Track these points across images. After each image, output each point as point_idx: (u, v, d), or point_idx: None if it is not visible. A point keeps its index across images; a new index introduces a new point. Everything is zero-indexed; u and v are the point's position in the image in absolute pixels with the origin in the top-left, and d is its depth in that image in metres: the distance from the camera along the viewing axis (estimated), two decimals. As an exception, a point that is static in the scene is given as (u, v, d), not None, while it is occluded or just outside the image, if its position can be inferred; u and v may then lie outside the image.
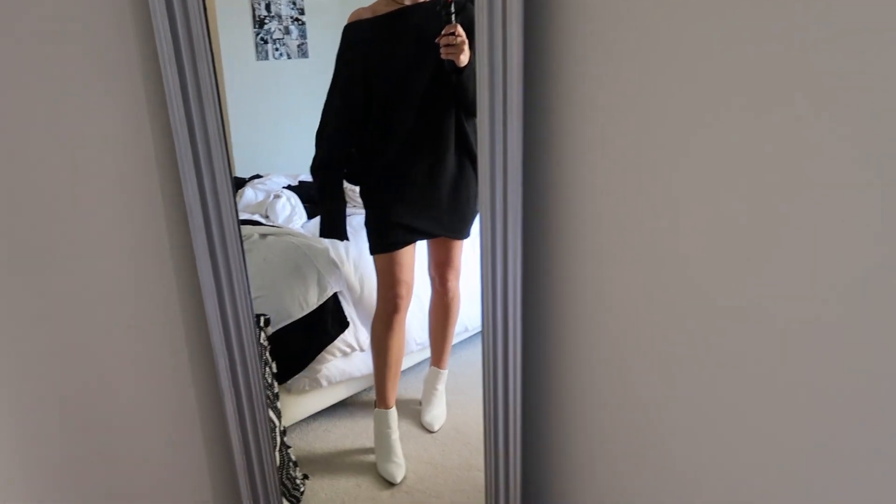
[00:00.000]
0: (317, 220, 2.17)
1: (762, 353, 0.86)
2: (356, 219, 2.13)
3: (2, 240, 1.07)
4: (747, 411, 0.90)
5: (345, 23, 1.71)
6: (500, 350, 1.20)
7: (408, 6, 1.62)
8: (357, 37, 1.64)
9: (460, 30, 1.48)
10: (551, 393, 1.26)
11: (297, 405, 1.92)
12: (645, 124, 0.94)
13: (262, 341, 1.61)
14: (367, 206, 1.77)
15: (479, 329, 2.24)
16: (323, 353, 1.89)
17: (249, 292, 1.18)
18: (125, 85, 1.08)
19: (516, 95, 1.02)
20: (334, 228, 1.79)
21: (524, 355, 1.20)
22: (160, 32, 1.02)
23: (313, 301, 1.88)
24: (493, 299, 1.17)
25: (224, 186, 1.11)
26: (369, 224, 1.77)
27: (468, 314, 2.11)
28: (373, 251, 1.78)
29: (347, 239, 1.81)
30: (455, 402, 2.05)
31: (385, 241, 1.75)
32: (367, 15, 1.65)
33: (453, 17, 1.50)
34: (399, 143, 1.65)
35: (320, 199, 1.79)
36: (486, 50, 1.03)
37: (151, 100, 1.10)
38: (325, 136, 1.73)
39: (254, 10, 2.34)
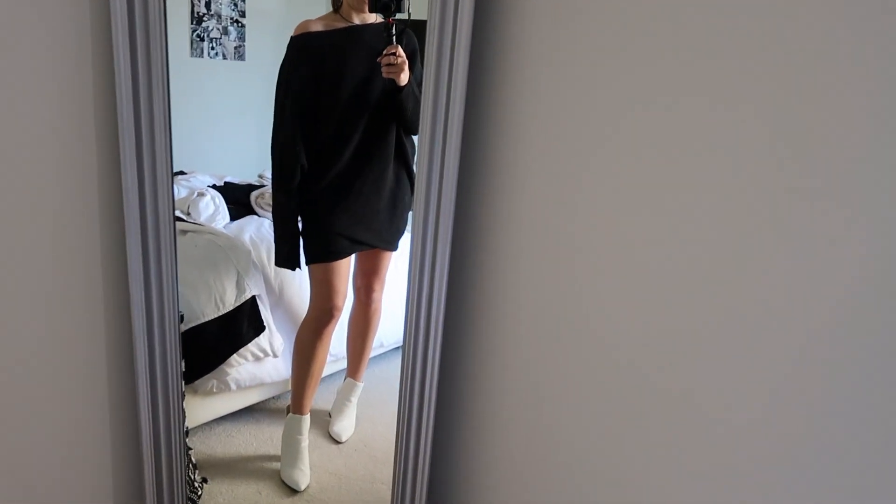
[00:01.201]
0: (239, 221, 2.16)
1: (666, 375, 0.95)
2: (281, 225, 2.13)
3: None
4: (649, 426, 0.98)
5: (285, 30, 1.72)
6: (420, 360, 1.25)
7: (358, 25, 1.67)
8: (308, 47, 1.66)
9: (401, 50, 1.56)
10: (463, 407, 1.31)
11: (203, 407, 1.87)
12: (575, 150, 1.03)
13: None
14: (306, 217, 1.76)
15: (394, 345, 2.29)
16: (235, 355, 1.87)
17: (177, 285, 1.17)
18: (74, 64, 1.07)
19: (457, 118, 1.09)
20: (291, 258, 1.75)
21: (441, 366, 1.25)
22: (117, 17, 1.03)
23: (230, 302, 1.86)
24: (418, 310, 1.22)
25: (164, 176, 1.11)
26: (309, 234, 1.76)
27: (384, 330, 2.14)
28: (311, 261, 1.77)
29: (300, 267, 1.77)
30: (364, 416, 2.07)
31: (327, 251, 1.75)
32: (318, 28, 1.68)
33: (394, 38, 1.57)
34: (346, 155, 1.69)
35: (278, 223, 1.75)
36: (434, 72, 1.10)
37: (99, 81, 1.09)
38: (281, 146, 1.70)
39: (193, 6, 2.31)
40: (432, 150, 1.13)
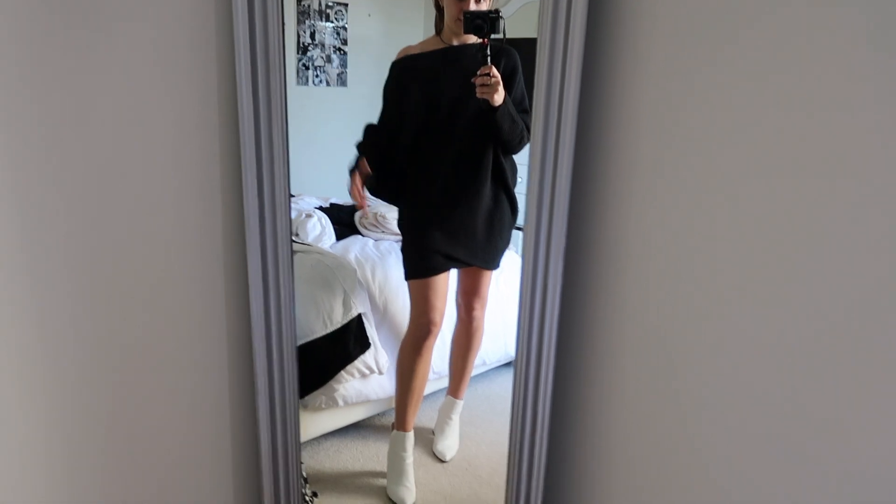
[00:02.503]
0: (344, 241, 2.23)
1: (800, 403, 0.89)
2: (384, 244, 2.18)
3: (66, 236, 1.12)
4: (782, 443, 0.92)
5: (385, 55, 1.79)
6: (532, 380, 1.23)
7: (455, 46, 1.70)
8: (406, 69, 1.72)
9: (494, 71, 1.56)
10: (577, 429, 1.28)
11: (312, 422, 1.93)
12: (692, 166, 0.99)
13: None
14: (405, 232, 1.83)
15: (497, 363, 2.28)
16: (342, 372, 1.92)
17: (293, 303, 1.22)
18: (201, 92, 1.14)
19: (569, 133, 1.08)
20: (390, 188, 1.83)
21: (555, 385, 1.23)
22: (240, 49, 1.09)
23: (338, 319, 1.92)
24: (530, 329, 1.20)
25: (282, 200, 1.16)
26: (407, 250, 1.83)
27: (486, 348, 2.14)
28: (408, 276, 1.83)
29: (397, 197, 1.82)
30: (467, 434, 2.06)
31: (422, 267, 1.80)
32: (417, 51, 1.73)
33: (488, 58, 1.58)
34: (442, 174, 1.72)
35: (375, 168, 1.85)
36: (545, 89, 1.09)
37: (222, 111, 1.16)
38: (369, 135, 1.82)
39: (299, 37, 2.41)
40: (543, 165, 1.11)
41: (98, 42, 1.05)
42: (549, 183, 1.12)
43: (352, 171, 1.87)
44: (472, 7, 1.61)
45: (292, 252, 1.20)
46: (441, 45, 1.72)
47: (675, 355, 1.06)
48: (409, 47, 1.77)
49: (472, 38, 1.71)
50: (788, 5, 0.85)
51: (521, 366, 1.24)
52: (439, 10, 1.73)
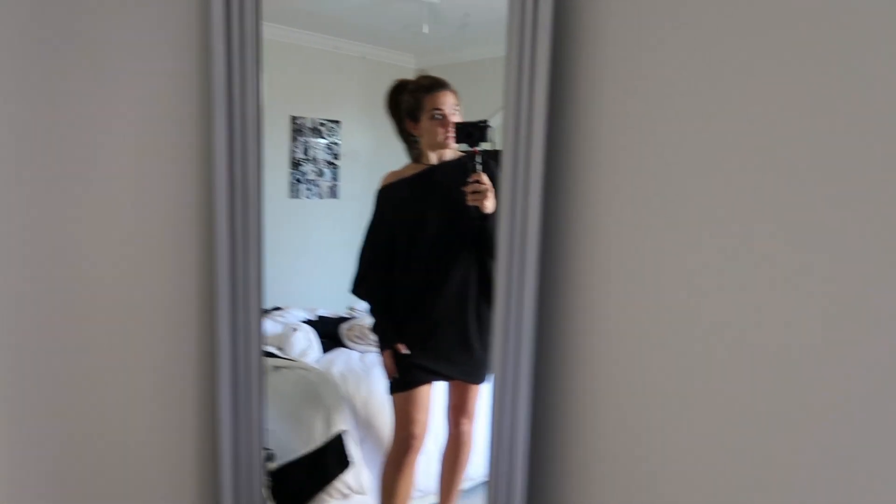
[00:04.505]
0: (329, 355, 2.21)
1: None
2: (369, 357, 2.16)
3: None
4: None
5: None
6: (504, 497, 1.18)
7: (434, 165, 1.77)
8: (388, 198, 1.81)
9: (485, 178, 1.61)
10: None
11: (290, 548, 1.83)
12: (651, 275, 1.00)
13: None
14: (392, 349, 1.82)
15: (484, 478, 2.18)
16: (321, 493, 1.85)
17: (263, 426, 1.19)
18: (180, 215, 1.18)
19: (533, 248, 1.10)
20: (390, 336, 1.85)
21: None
22: (219, 170, 1.13)
23: (318, 438, 1.87)
24: (498, 452, 1.18)
25: (255, 318, 1.16)
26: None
27: (472, 462, 2.06)
28: (390, 390, 1.82)
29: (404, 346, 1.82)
30: (454, 557, 1.95)
31: (402, 380, 1.80)
32: (397, 178, 1.83)
33: (479, 166, 1.63)
34: (423, 289, 1.75)
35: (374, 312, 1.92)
36: (509, 204, 1.13)
37: (201, 230, 1.19)
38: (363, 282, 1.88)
39: (292, 153, 2.49)
40: (509, 281, 1.14)
41: (81, 175, 1.10)
42: (517, 290, 1.14)
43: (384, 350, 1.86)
44: (451, 123, 1.69)
45: (262, 370, 1.19)
46: (420, 168, 1.79)
47: (649, 482, 1.03)
48: (390, 174, 1.85)
49: (450, 154, 1.78)
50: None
51: (493, 490, 1.21)
52: (409, 140, 1.81)
